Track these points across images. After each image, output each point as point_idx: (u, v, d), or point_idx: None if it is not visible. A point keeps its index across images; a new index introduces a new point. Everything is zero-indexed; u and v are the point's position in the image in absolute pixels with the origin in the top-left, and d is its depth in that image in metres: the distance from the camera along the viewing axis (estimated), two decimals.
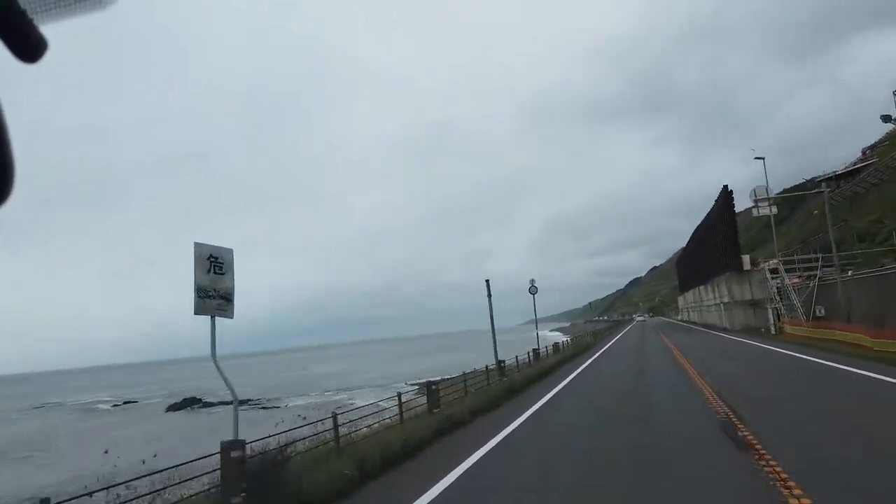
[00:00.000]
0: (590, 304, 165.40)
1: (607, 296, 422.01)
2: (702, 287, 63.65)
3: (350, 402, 43.77)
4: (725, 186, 44.86)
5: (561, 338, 79.63)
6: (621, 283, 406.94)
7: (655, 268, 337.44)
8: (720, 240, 47.37)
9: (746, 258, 44.65)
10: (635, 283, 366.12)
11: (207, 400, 61.24)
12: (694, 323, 72.35)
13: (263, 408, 50.70)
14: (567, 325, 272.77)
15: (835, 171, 72.47)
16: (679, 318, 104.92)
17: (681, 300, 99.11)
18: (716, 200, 48.10)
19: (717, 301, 51.65)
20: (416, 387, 27.42)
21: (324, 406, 42.76)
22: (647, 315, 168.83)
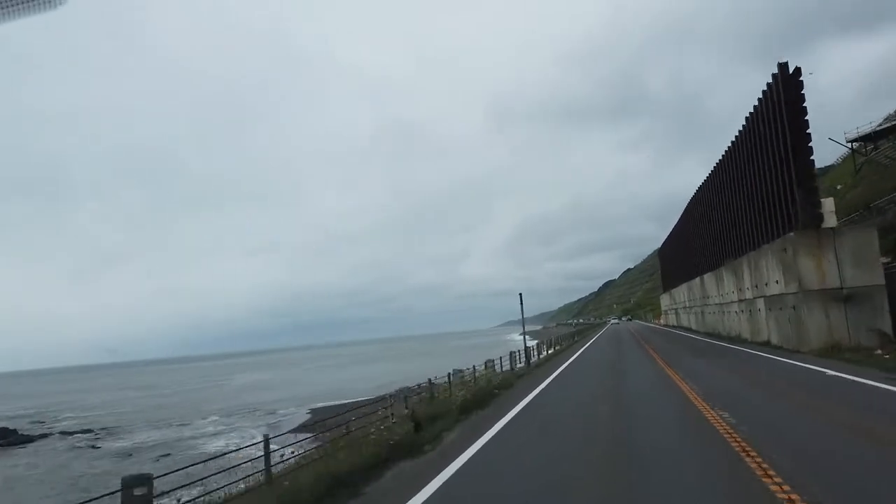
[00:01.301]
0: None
1: (580, 299, 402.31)
2: (707, 276, 40.41)
3: (202, 445, 32.66)
4: (784, 65, 21.54)
5: (529, 342, 59.40)
6: (594, 286, 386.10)
7: (629, 270, 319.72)
8: (768, 173, 24.05)
9: (829, 203, 21.29)
10: (609, 285, 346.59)
11: (28, 432, 47.56)
12: (690, 330, 49.07)
13: (76, 447, 38.88)
14: (539, 328, 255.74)
15: (869, 130, 56.53)
16: (661, 322, 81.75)
17: (665, 300, 75.91)
18: (760, 98, 24.62)
19: (751, 295, 28.30)
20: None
21: (157, 448, 32.74)
22: (622, 318, 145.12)
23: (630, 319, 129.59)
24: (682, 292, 55.47)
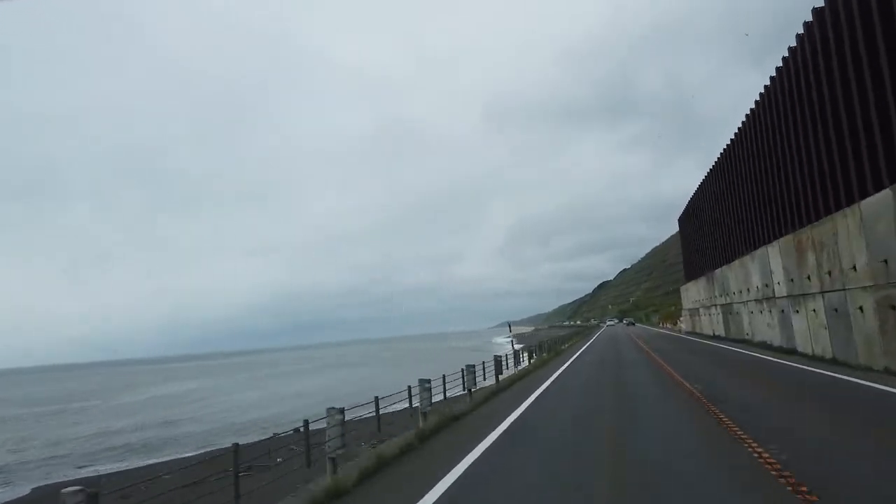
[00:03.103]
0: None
1: (575, 300, 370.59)
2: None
3: None
4: None
5: (508, 348, 45.10)
6: (589, 287, 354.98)
7: (625, 270, 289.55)
8: None
9: None
10: (604, 286, 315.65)
11: None
12: (793, 354, 18.86)
13: None
14: (530, 329, 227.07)
15: None
16: (683, 328, 51.42)
17: (691, 293, 45.41)
18: None
19: None
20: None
21: None
22: (623, 320, 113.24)
23: (632, 323, 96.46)
24: (741, 273, 25.34)
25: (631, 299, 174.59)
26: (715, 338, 33.82)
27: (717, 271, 32.77)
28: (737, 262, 27.75)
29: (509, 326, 22.56)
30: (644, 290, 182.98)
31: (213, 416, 42.42)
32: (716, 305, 34.30)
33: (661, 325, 75.91)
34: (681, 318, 52.97)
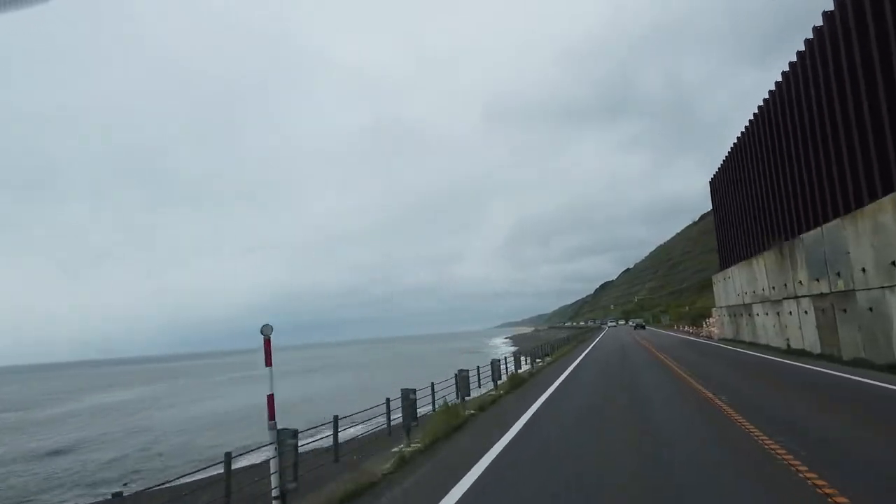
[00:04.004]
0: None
1: (576, 301, 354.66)
2: None
3: None
4: None
5: (498, 352, 43.55)
6: (591, 288, 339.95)
7: (628, 270, 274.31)
8: None
9: None
10: (606, 286, 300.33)
11: None
12: None
13: None
14: (530, 330, 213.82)
15: None
16: (714, 332, 36.85)
17: (729, 284, 30.92)
18: None
19: None
20: None
21: None
22: (630, 321, 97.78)
23: (642, 326, 78.64)
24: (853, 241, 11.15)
25: (636, 298, 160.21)
26: (794, 353, 19.35)
27: (809, 236, 18.35)
28: (877, 204, 13.39)
29: None
30: (649, 289, 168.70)
31: (133, 440, 31.34)
32: (796, 298, 19.82)
33: (675, 327, 61.36)
34: (710, 320, 38.47)
